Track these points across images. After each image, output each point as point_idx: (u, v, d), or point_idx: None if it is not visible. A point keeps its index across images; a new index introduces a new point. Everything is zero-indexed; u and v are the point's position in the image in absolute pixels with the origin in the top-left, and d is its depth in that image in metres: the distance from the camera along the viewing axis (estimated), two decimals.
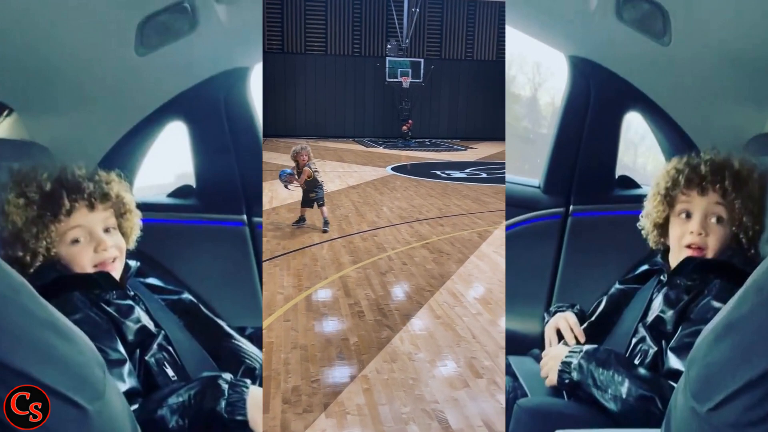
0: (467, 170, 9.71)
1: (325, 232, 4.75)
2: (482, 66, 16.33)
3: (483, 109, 16.26)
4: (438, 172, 9.24)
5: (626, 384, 1.15)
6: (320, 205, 4.85)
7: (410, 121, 15.21)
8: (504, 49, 15.93)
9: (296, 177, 4.78)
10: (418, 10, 14.47)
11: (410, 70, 14.94)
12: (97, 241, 1.23)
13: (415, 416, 2.03)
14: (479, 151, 13.14)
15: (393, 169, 9.60)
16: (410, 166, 10.25)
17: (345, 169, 8.98)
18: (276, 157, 9.49)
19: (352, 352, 2.57)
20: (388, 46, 15.18)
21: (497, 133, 15.18)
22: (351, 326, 2.86)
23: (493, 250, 4.45)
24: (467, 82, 16.38)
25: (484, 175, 9.21)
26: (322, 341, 2.65)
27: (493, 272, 3.89)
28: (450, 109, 16.58)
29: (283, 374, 2.30)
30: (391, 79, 14.85)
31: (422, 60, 15.17)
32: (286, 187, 4.99)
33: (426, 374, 2.36)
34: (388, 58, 14.89)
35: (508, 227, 1.94)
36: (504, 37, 15.80)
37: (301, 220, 4.91)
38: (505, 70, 16.30)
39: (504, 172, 9.34)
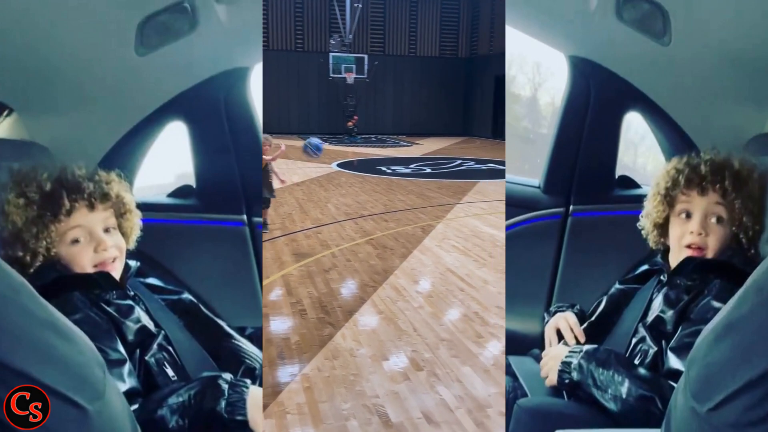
0: (412, 166, 9.89)
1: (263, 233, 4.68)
2: (426, 62, 16.58)
3: (428, 105, 16.63)
4: (383, 168, 9.34)
5: (626, 384, 1.15)
6: (265, 207, 4.81)
7: (355, 117, 15.40)
8: (445, 45, 16.59)
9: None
10: (360, 5, 14.55)
11: (354, 66, 14.97)
12: (97, 241, 1.23)
13: (356, 412, 2.05)
14: (424, 147, 13.32)
15: (338, 165, 9.69)
16: (356, 162, 10.40)
17: (289, 166, 8.91)
18: None
19: (293, 351, 2.56)
20: (332, 42, 15.14)
21: (442, 129, 15.99)
22: (293, 325, 2.86)
23: (436, 244, 4.55)
24: (411, 78, 16.56)
25: (429, 170, 9.41)
26: (263, 342, 2.63)
27: (436, 266, 3.96)
28: (395, 105, 16.77)
29: None
30: (335, 75, 14.87)
31: (366, 56, 15.27)
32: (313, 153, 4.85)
33: (367, 370, 2.37)
34: (331, 54, 14.90)
35: (508, 227, 1.94)
36: (445, 32, 16.68)
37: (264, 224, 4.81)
38: (447, 66, 16.62)
39: (448, 167, 9.42)
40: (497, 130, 15.54)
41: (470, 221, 5.52)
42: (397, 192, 7.11)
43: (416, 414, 2.06)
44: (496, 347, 2.66)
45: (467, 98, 17.23)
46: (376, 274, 3.75)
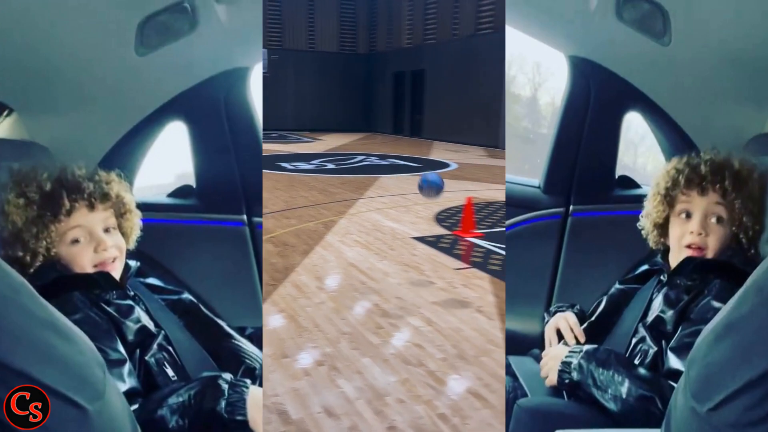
0: (315, 162, 9.81)
1: None
2: (325, 57, 16.58)
3: (329, 101, 16.65)
4: (285, 165, 9.21)
5: (626, 384, 1.15)
6: None
7: None
8: (345, 40, 16.66)
9: None
10: None
11: None
12: (97, 241, 1.23)
13: None
14: (327, 143, 13.22)
15: None
16: None
17: None
18: None
19: None
20: None
21: (343, 125, 15.95)
22: None
23: (338, 240, 4.52)
24: (312, 74, 16.43)
25: (332, 166, 9.35)
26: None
27: (338, 261, 3.95)
28: (296, 101, 16.63)
29: None
30: None
31: (265, 50, 15.39)
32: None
33: (267, 369, 2.34)
34: None
35: (508, 227, 1.94)
36: (344, 28, 16.80)
37: None
38: (346, 62, 16.59)
39: (350, 163, 9.36)
40: (397, 126, 15.96)
41: (372, 215, 5.54)
42: (299, 188, 6.99)
43: (316, 409, 2.05)
44: (395, 337, 2.71)
45: (367, 94, 17.31)
46: (276, 272, 3.69)
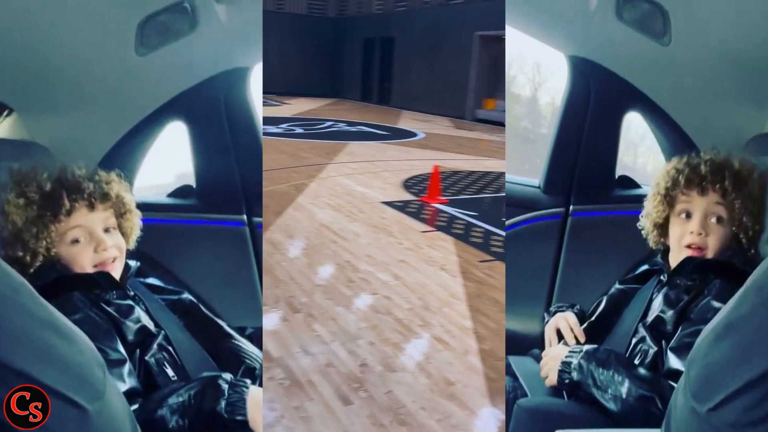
0: (283, 126, 9.78)
1: None
2: (294, 19, 16.28)
3: (297, 65, 16.33)
4: None
5: (626, 384, 1.15)
6: None
7: None
8: (314, 3, 16.18)
9: None
10: None
11: None
12: (97, 241, 1.23)
13: None
14: (294, 107, 13.28)
15: None
16: None
17: None
18: None
19: None
20: None
21: (311, 90, 15.74)
22: None
23: (310, 202, 4.78)
24: (279, 35, 15.90)
25: (300, 130, 9.43)
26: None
27: (310, 221, 4.21)
28: (263, 63, 16.25)
29: None
30: None
31: None
32: None
33: None
34: None
35: (508, 227, 1.94)
36: None
37: None
38: (315, 25, 16.26)
39: (319, 128, 9.51)
40: (366, 94, 15.93)
41: (342, 180, 5.73)
42: (268, 151, 6.91)
43: (295, 349, 2.29)
44: (365, 290, 2.98)
45: (336, 59, 17.12)
46: None
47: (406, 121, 12.50)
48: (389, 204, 4.93)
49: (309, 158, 6.91)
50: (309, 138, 8.73)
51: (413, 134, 10.24)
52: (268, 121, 10.13)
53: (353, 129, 10.35)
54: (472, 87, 13.05)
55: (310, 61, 16.69)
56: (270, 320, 2.51)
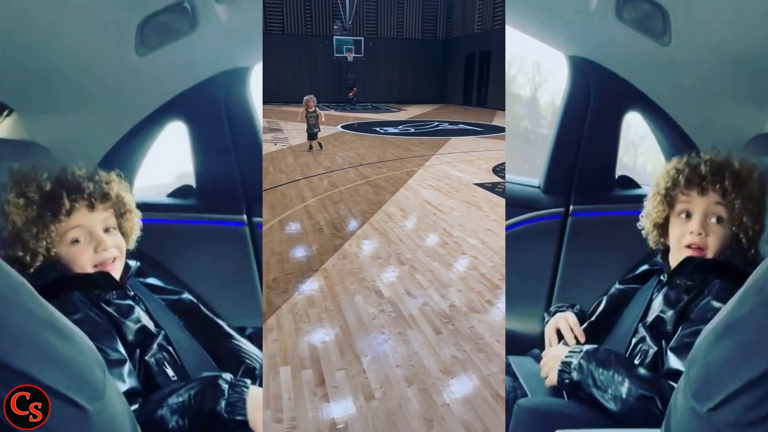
0: (400, 127, 12.11)
1: (320, 147, 8.04)
2: (410, 43, 20.60)
3: (412, 78, 20.76)
4: (377, 129, 11.51)
5: (626, 384, 1.15)
6: (315, 137, 7.89)
7: (355, 89, 19.31)
8: (426, 29, 20.68)
9: (309, 118, 7.72)
10: None
11: (353, 47, 18.73)
12: (97, 241, 1.23)
13: (360, 290, 2.94)
14: (409, 112, 16.31)
15: (342, 127, 11.84)
16: (356, 124, 12.65)
17: (304, 128, 11.34)
18: None
19: (315, 254, 3.53)
20: (335, 27, 18.78)
21: (422, 98, 20.46)
22: (313, 238, 3.87)
23: (417, 184, 5.86)
24: (399, 57, 20.48)
25: (413, 130, 11.47)
26: (293, 248, 3.64)
27: (416, 198, 5.20)
28: (386, 79, 20.80)
29: (265, 271, 3.06)
30: (338, 55, 18.59)
31: (362, 38, 19.04)
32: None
33: (366, 265, 3.34)
34: (335, 37, 18.55)
35: (508, 227, 1.94)
36: (426, 18, 20.65)
37: (311, 147, 7.90)
38: (427, 46, 20.56)
39: (427, 128, 11.65)
40: (466, 99, 19.54)
41: (443, 167, 6.94)
42: (388, 147, 8.82)
43: (401, 291, 2.94)
44: (457, 251, 3.64)
45: (443, 72, 21.13)
46: (372, 204, 4.91)
47: (499, 119, 14.36)
48: (480, 185, 5.84)
49: (418, 151, 8.31)
50: (419, 135, 10.50)
51: (504, 129, 11.71)
52: (388, 123, 12.85)
53: (455, 127, 12.19)
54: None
55: (422, 75, 20.68)
56: (384, 270, 3.25)
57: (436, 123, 13.08)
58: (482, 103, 18.49)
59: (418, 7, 20.41)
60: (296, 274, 3.15)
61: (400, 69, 20.65)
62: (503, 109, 16.43)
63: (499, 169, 6.89)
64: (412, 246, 3.71)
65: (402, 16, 20.38)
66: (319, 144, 8.06)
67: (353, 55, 18.67)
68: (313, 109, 7.72)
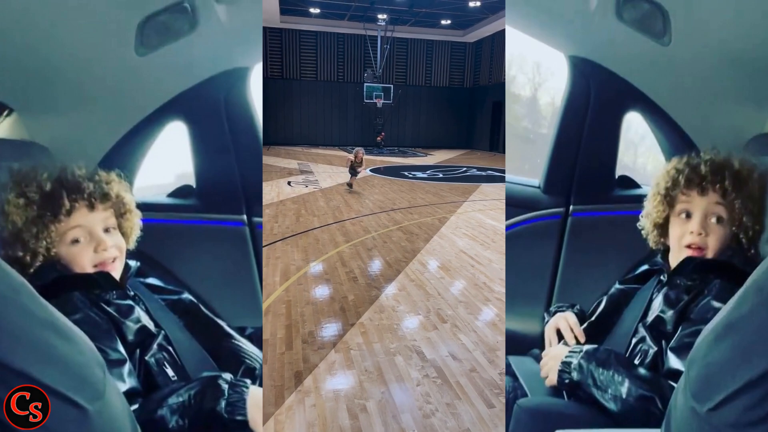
0: (428, 172, 12.21)
1: (350, 186, 8.41)
2: (437, 90, 21.41)
3: (439, 124, 21.43)
4: (406, 173, 11.62)
5: (626, 384, 1.15)
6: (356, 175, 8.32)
7: (383, 134, 19.79)
8: (454, 77, 21.56)
9: (356, 165, 8.24)
10: (388, 47, 19.39)
11: (383, 93, 19.38)
12: (97, 241, 1.23)
13: (400, 350, 2.75)
14: (437, 157, 16.54)
15: (371, 170, 11.83)
16: (384, 168, 12.70)
17: (334, 171, 11.27)
18: (279, 161, 12.78)
19: (351, 306, 3.35)
20: (365, 74, 19.53)
21: (450, 143, 21.06)
22: (348, 288, 3.72)
23: (450, 232, 5.71)
24: (426, 103, 21.25)
25: (441, 175, 11.63)
26: (328, 299, 3.49)
27: (451, 247, 5.01)
28: (413, 124, 21.41)
29: (300, 323, 3.05)
30: (368, 101, 19.23)
31: (392, 85, 19.79)
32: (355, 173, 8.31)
33: (406, 321, 3.14)
34: (365, 84, 19.24)
35: (508, 227, 1.94)
36: (454, 67, 21.55)
37: (351, 186, 8.45)
38: (454, 93, 21.41)
39: (456, 173, 11.77)
40: (494, 144, 19.82)
41: (476, 215, 6.78)
42: (417, 191, 8.75)
43: (444, 353, 2.73)
44: (500, 308, 3.43)
45: (470, 119, 21.65)
46: (406, 252, 4.75)
47: None
48: None
49: (449, 197, 8.29)
50: (448, 181, 10.54)
51: None
52: (416, 168, 12.92)
53: (484, 173, 12.28)
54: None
55: (449, 121, 21.39)
56: (425, 328, 3.05)
57: (464, 168, 13.23)
58: None
59: (446, 57, 21.21)
60: (332, 328, 2.99)
61: (428, 115, 21.33)
62: None
63: None
64: (452, 301, 3.49)
65: (431, 64, 21.17)
66: (349, 185, 8.47)
67: (382, 101, 19.27)
68: (360, 160, 8.32)
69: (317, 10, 17.07)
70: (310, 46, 19.00)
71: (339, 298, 3.48)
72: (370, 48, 19.38)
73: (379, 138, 19.54)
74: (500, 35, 19.45)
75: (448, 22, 19.25)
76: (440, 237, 5.41)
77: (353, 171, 8.37)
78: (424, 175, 11.35)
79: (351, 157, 8.46)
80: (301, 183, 9.21)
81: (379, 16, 18.03)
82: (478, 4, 16.62)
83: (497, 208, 7.29)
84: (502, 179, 11.18)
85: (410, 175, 11.21)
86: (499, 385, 2.42)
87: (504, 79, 19.59)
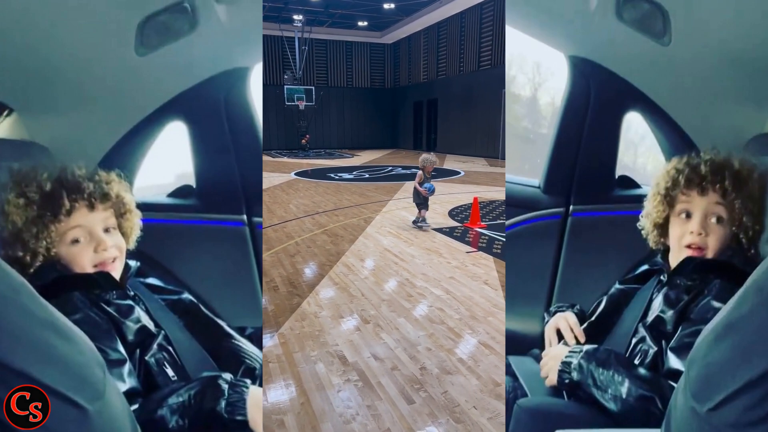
0: (354, 173, 12.32)
1: (423, 222, 6.02)
2: (360, 91, 22.22)
3: (363, 125, 22.29)
4: (332, 175, 11.62)
5: (626, 384, 1.15)
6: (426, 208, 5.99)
7: (308, 136, 20.10)
8: (375, 78, 22.49)
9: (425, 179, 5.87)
10: (306, 48, 19.71)
11: (304, 96, 19.57)
12: (97, 241, 1.23)
13: (321, 357, 2.70)
14: (362, 158, 16.81)
15: (296, 174, 11.85)
16: (310, 171, 12.77)
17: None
18: None
19: (270, 317, 3.23)
20: (285, 77, 19.73)
21: (375, 143, 22.01)
22: (268, 298, 3.57)
23: (375, 231, 5.78)
24: (350, 104, 22.02)
25: (367, 175, 11.71)
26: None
27: (376, 247, 5.05)
28: (338, 126, 22.11)
29: None
30: (290, 103, 19.38)
31: (313, 87, 20.10)
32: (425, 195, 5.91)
33: (328, 326, 3.09)
34: (285, 86, 19.37)
35: (508, 227, 1.94)
36: (374, 68, 22.45)
37: (425, 219, 6.01)
38: (376, 94, 22.26)
39: (382, 173, 11.94)
40: (417, 143, 21.07)
41: (400, 213, 6.98)
42: (343, 193, 8.76)
43: (366, 354, 2.72)
44: (421, 303, 3.50)
45: (393, 119, 22.83)
46: (331, 256, 4.68)
47: (450, 162, 14.86)
48: (438, 230, 5.82)
49: (374, 196, 8.39)
50: (374, 181, 10.66)
51: (456, 173, 12.17)
52: (342, 169, 13.03)
53: (408, 171, 12.49)
54: (502, 132, 15.82)
55: (374, 122, 22.22)
56: (348, 330, 3.02)
57: (390, 168, 13.51)
58: (432, 147, 19.57)
59: (366, 58, 22.05)
60: None
61: (352, 116, 22.04)
62: (453, 152, 18.02)
63: (455, 213, 6.86)
64: (376, 301, 3.48)
65: (351, 66, 21.90)
66: (421, 221, 5.98)
67: (305, 103, 19.41)
68: (429, 172, 5.75)
69: None
70: None
71: None
72: (288, 50, 19.57)
73: (303, 141, 19.78)
74: (416, 36, 20.38)
75: (365, 23, 19.71)
76: (365, 237, 5.46)
77: (420, 199, 5.76)
78: (351, 176, 11.41)
79: (419, 173, 5.76)
80: None
81: (295, 17, 18.00)
82: (393, 6, 17.15)
83: None
84: None
85: (336, 177, 11.21)
86: (419, 380, 2.43)
87: (421, 79, 20.55)
